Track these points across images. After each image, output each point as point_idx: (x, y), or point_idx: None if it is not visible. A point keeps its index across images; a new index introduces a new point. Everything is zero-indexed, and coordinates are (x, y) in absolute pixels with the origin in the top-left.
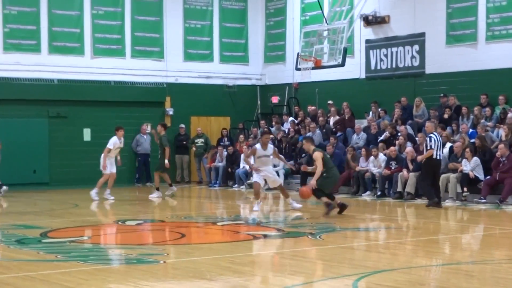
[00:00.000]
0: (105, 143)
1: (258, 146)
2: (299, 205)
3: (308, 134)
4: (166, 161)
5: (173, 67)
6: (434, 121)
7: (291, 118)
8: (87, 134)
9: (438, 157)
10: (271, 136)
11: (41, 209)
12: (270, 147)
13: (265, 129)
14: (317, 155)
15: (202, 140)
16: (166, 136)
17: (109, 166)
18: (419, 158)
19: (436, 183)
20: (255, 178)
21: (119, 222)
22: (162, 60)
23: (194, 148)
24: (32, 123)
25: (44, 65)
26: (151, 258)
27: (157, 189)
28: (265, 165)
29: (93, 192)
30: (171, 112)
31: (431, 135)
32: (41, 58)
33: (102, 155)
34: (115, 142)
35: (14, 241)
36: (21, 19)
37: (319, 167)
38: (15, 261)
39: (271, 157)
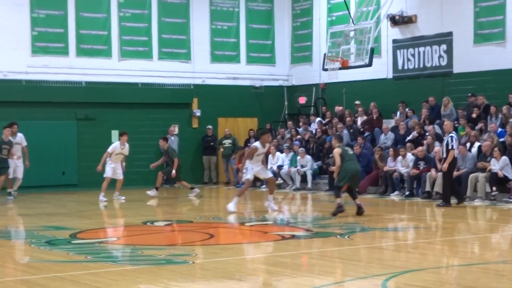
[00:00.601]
0: (133, 144)
1: (258, 144)
2: (275, 207)
3: (337, 133)
4: (173, 171)
5: (200, 68)
6: (452, 120)
7: (318, 119)
8: (115, 136)
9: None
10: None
11: (70, 211)
12: (267, 145)
13: (267, 128)
14: (334, 152)
15: (230, 141)
16: (171, 147)
17: (110, 170)
18: (444, 166)
19: (453, 181)
20: (249, 175)
21: (148, 223)
22: (189, 62)
23: (221, 149)
24: (61, 126)
25: (72, 68)
26: (180, 259)
27: (156, 188)
28: (259, 162)
29: (101, 196)
30: (198, 114)
31: (452, 134)
32: (69, 60)
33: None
34: (115, 147)
35: (44, 242)
36: (49, 22)
37: (336, 163)
38: (45, 262)
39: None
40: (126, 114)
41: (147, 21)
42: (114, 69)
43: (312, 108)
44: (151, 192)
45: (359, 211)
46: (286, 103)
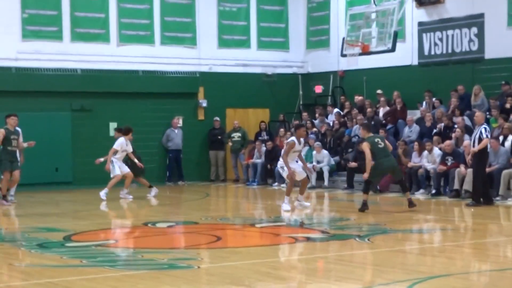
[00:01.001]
0: (133, 138)
1: (294, 139)
2: (307, 204)
3: (355, 126)
4: (138, 162)
5: (206, 54)
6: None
7: (336, 110)
8: (113, 129)
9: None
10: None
11: (64, 211)
12: (302, 140)
13: (298, 122)
14: (363, 146)
15: (239, 134)
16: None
17: (117, 167)
18: (474, 149)
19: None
20: (285, 174)
21: (149, 224)
22: (195, 47)
23: (230, 143)
24: (54, 117)
25: (66, 54)
26: (184, 263)
27: (150, 186)
28: (294, 159)
29: (103, 193)
30: (204, 104)
31: (484, 126)
32: (63, 46)
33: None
34: (122, 144)
35: (35, 245)
36: (41, 4)
37: (367, 159)
38: (36, 267)
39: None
40: (126, 105)
41: (148, 2)
42: (113, 55)
43: (329, 98)
44: (152, 193)
45: (410, 205)
46: (300, 92)
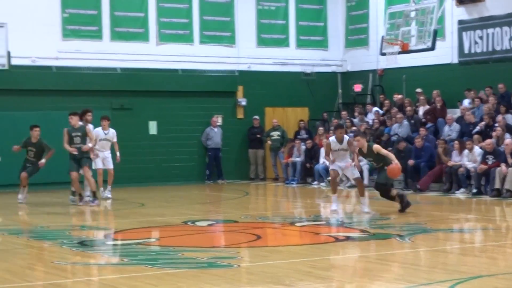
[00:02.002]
0: (172, 137)
1: (331, 139)
2: (368, 210)
3: (394, 125)
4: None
5: (245, 53)
6: None
7: (375, 108)
8: (153, 127)
9: None
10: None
11: (105, 209)
12: (345, 139)
13: (336, 122)
14: (378, 147)
15: (278, 133)
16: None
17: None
18: None
19: None
20: (332, 166)
21: (189, 223)
22: (234, 46)
23: (269, 142)
24: (94, 116)
25: (106, 53)
26: (224, 262)
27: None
28: (341, 159)
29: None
30: (243, 103)
31: None
32: (102, 45)
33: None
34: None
35: (77, 243)
36: (81, 4)
37: (391, 154)
38: (78, 265)
39: (348, 150)
40: (165, 104)
41: (187, 2)
42: (152, 54)
43: (368, 96)
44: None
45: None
46: (340, 91)
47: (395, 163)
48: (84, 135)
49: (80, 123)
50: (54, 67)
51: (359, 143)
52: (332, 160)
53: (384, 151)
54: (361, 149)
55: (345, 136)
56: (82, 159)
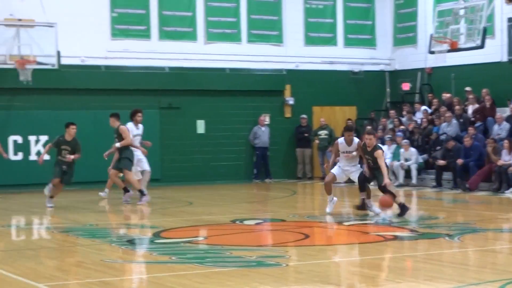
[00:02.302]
0: (220, 136)
1: (341, 140)
2: (379, 210)
3: (443, 124)
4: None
5: (293, 52)
6: None
7: (423, 107)
8: (200, 126)
9: None
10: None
11: (153, 207)
12: (355, 142)
13: (348, 123)
14: (380, 154)
15: (326, 132)
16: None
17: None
18: None
19: None
20: (332, 170)
21: (237, 222)
22: (281, 45)
23: (317, 141)
24: (143, 115)
25: (154, 52)
26: (272, 261)
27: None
28: (350, 162)
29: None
30: (291, 102)
31: None
32: (151, 44)
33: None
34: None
35: (126, 241)
36: (130, 3)
37: (385, 169)
38: (127, 263)
39: (355, 153)
40: (213, 102)
41: (235, 1)
42: (200, 53)
43: (417, 95)
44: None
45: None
46: (388, 90)
47: (385, 196)
48: (119, 136)
49: (118, 123)
50: (102, 67)
51: (370, 142)
52: (332, 161)
53: (381, 162)
54: (365, 146)
55: (355, 139)
56: (121, 159)
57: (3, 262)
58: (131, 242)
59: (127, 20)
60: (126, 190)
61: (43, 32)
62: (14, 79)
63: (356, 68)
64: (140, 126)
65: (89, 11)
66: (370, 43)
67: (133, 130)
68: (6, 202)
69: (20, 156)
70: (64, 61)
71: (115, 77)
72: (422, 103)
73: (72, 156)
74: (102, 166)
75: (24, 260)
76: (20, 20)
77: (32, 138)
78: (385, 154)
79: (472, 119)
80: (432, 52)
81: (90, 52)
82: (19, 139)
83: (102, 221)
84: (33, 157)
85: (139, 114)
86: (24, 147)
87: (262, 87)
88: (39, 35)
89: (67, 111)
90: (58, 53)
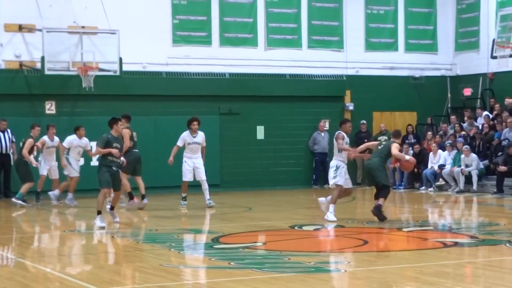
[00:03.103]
0: (280, 141)
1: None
2: (334, 219)
3: (505, 130)
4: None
5: (353, 58)
6: None
7: (485, 112)
8: (260, 132)
9: None
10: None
11: (212, 213)
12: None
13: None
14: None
15: (386, 137)
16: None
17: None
18: None
19: None
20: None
21: (295, 227)
22: (342, 51)
23: None
24: (203, 121)
25: (215, 58)
26: (331, 267)
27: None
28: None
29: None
30: (351, 107)
31: None
32: (211, 51)
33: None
34: (71, 142)
35: (184, 246)
36: (191, 10)
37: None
38: (186, 268)
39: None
40: (273, 108)
41: (296, 6)
42: (260, 59)
43: (478, 100)
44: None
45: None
46: (449, 95)
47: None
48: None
49: (126, 125)
50: (164, 73)
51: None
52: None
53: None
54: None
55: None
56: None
57: (64, 266)
58: (190, 247)
59: (188, 26)
60: (131, 196)
61: (105, 39)
62: (77, 85)
63: (417, 74)
64: (199, 133)
65: (151, 18)
66: (432, 48)
67: (187, 139)
68: (67, 208)
69: (82, 161)
70: (126, 68)
71: (176, 83)
72: (484, 108)
73: (123, 159)
74: (163, 171)
75: (85, 265)
76: (83, 27)
77: (94, 144)
78: (446, 159)
79: None
80: (494, 57)
81: (152, 58)
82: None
83: (162, 226)
84: (94, 162)
85: (195, 123)
86: (86, 153)
87: (322, 93)
88: (102, 42)
89: None
90: (120, 59)
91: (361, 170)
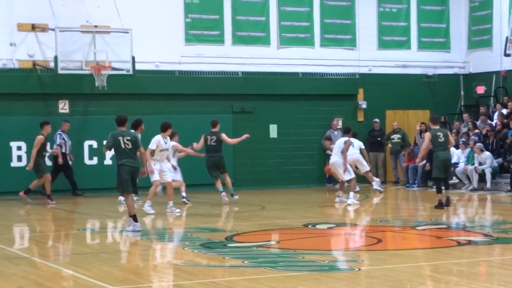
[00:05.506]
0: (293, 140)
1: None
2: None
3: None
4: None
5: (366, 56)
6: None
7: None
8: (273, 131)
9: None
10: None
11: (226, 211)
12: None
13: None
14: (426, 135)
15: (399, 136)
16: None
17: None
18: None
19: None
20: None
21: (309, 226)
22: (354, 49)
23: (389, 145)
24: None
25: (227, 57)
26: (345, 265)
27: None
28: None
29: (147, 206)
30: (364, 106)
31: None
32: (224, 49)
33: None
34: (158, 141)
35: (198, 245)
36: (204, 9)
37: (422, 147)
38: (200, 267)
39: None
40: (286, 107)
41: (308, 5)
42: (273, 57)
43: (491, 98)
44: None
45: (447, 204)
46: (462, 93)
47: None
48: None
49: (132, 131)
50: (177, 72)
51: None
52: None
53: (424, 142)
54: None
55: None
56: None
57: (78, 265)
58: (204, 246)
59: (200, 25)
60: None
61: (118, 38)
62: (90, 84)
63: (430, 72)
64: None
65: (163, 17)
66: (444, 46)
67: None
68: (82, 206)
69: (95, 160)
70: (138, 67)
71: (188, 82)
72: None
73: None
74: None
75: (99, 263)
76: (96, 26)
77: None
78: (459, 157)
79: None
80: (507, 55)
81: (164, 57)
82: (94, 144)
83: (177, 225)
84: (107, 161)
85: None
86: (99, 152)
87: (335, 91)
88: (115, 41)
89: (141, 116)
90: (133, 58)
91: (378, 169)
